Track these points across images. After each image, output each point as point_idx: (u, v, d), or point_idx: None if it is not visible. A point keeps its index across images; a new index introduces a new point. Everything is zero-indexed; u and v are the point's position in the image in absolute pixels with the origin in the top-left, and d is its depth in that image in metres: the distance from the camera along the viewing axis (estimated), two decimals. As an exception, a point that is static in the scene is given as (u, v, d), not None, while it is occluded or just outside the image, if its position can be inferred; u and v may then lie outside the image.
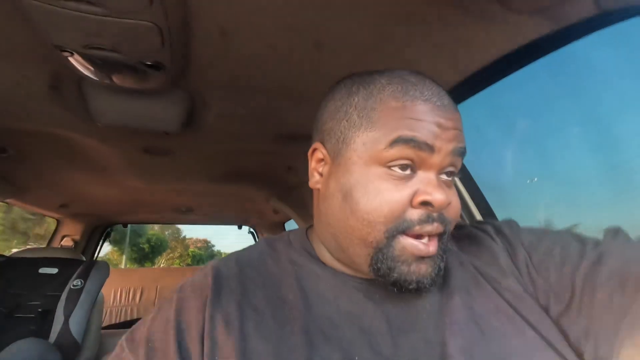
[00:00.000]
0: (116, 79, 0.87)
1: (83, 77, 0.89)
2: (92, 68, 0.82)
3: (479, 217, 1.01)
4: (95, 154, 1.47)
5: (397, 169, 0.41)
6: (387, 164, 0.41)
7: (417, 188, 0.40)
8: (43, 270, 1.56)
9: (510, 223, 0.53)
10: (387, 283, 0.42)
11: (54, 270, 1.57)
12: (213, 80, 0.93)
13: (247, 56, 0.83)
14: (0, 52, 0.79)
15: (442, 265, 0.43)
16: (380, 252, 0.41)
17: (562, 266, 0.43)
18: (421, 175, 0.41)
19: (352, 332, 0.41)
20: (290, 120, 1.13)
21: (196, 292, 0.44)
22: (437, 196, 0.40)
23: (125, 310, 2.81)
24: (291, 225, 2.97)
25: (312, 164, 0.49)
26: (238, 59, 0.83)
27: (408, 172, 0.41)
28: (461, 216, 1.03)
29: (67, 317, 1.36)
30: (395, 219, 0.40)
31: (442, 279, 0.46)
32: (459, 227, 0.54)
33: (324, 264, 0.48)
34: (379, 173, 0.41)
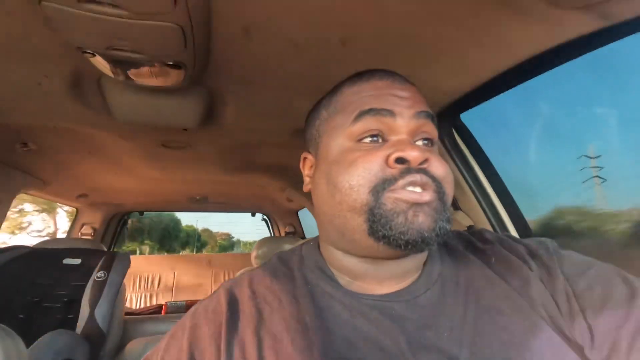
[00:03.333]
0: (136, 78, 0.85)
1: (102, 75, 0.88)
2: (112, 67, 0.80)
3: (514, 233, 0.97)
4: (113, 148, 1.48)
5: (366, 140, 0.44)
6: (356, 139, 0.44)
7: (390, 150, 0.41)
8: (67, 261, 1.60)
9: (546, 244, 0.48)
10: (391, 246, 0.40)
11: (77, 261, 1.61)
12: (233, 77, 0.91)
13: (269, 53, 0.80)
14: (21, 52, 0.78)
15: (445, 225, 0.41)
16: (372, 213, 0.40)
17: (601, 309, 0.40)
18: (393, 139, 0.43)
19: (372, 354, 0.39)
20: (309, 115, 1.11)
21: (209, 318, 0.43)
22: (410, 151, 0.40)
23: (145, 296, 2.90)
24: (304, 213, 2.98)
25: (305, 171, 0.53)
26: (260, 55, 0.81)
27: (379, 142, 0.44)
28: (492, 227, 0.99)
29: (92, 308, 1.40)
30: (375, 177, 0.40)
31: (466, 294, 0.43)
32: (484, 240, 0.51)
33: (337, 282, 0.46)
34: (351, 147, 0.44)
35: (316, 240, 0.54)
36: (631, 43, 0.58)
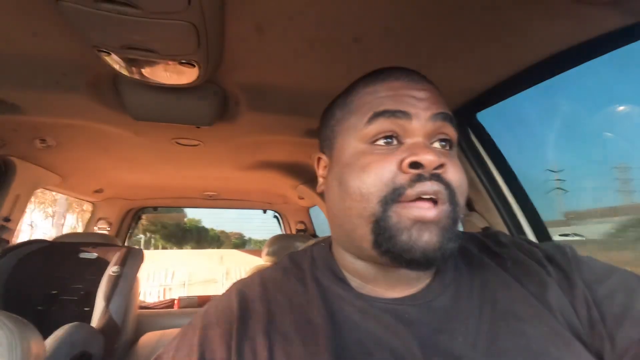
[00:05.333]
0: (150, 76, 0.86)
1: (118, 74, 0.89)
2: (127, 66, 0.81)
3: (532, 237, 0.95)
4: (128, 144, 1.50)
5: (380, 142, 0.42)
6: (370, 141, 0.43)
7: (405, 154, 0.40)
8: (83, 255, 1.64)
9: (564, 250, 0.46)
10: (393, 261, 0.39)
11: (94, 255, 1.65)
12: (246, 75, 0.91)
13: (282, 51, 0.80)
14: (40, 51, 0.79)
15: (454, 241, 0.39)
16: (378, 225, 0.40)
17: (623, 318, 0.38)
18: (408, 142, 0.42)
19: (384, 358, 0.38)
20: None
21: (220, 318, 0.43)
22: (425, 155, 0.39)
23: (159, 291, 2.95)
24: (316, 210, 2.98)
25: (319, 172, 0.52)
26: (273, 54, 0.81)
27: (394, 144, 0.42)
28: (508, 229, 0.97)
29: (107, 301, 1.44)
30: (386, 187, 0.40)
31: (481, 298, 0.42)
32: (499, 243, 0.50)
33: (349, 285, 0.45)
34: (365, 150, 0.43)
35: (328, 241, 0.53)
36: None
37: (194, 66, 0.80)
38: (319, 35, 0.72)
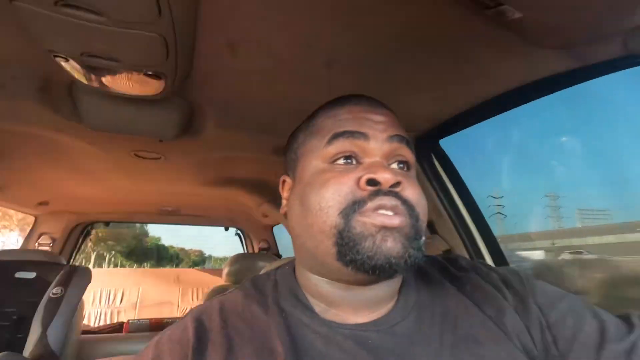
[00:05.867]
0: (112, 86, 0.81)
1: (75, 80, 0.83)
2: (86, 73, 0.76)
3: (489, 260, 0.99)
4: (81, 155, 1.40)
5: (340, 162, 0.44)
6: (330, 161, 0.44)
7: (362, 172, 0.42)
8: (19, 274, 1.47)
9: (519, 274, 0.49)
10: (359, 270, 0.39)
11: (32, 275, 1.49)
12: (215, 91, 0.89)
13: (253, 70, 0.79)
14: (-15, 51, 0.73)
15: (415, 253, 0.40)
16: (341, 236, 0.40)
17: (573, 341, 0.41)
18: (366, 162, 0.44)
19: None
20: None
21: (175, 350, 0.40)
22: (382, 174, 0.40)
23: (105, 313, 2.71)
24: (280, 229, 2.93)
25: (283, 194, 0.53)
26: (244, 71, 0.80)
27: (353, 164, 0.44)
28: (468, 252, 1.01)
29: (45, 327, 1.29)
30: (345, 200, 0.41)
31: (443, 322, 0.43)
32: (459, 267, 0.51)
33: (312, 310, 0.44)
34: (325, 169, 0.44)
35: (292, 264, 0.52)
36: (604, 83, 0.61)
37: (160, 78, 0.77)
38: (292, 57, 0.73)
